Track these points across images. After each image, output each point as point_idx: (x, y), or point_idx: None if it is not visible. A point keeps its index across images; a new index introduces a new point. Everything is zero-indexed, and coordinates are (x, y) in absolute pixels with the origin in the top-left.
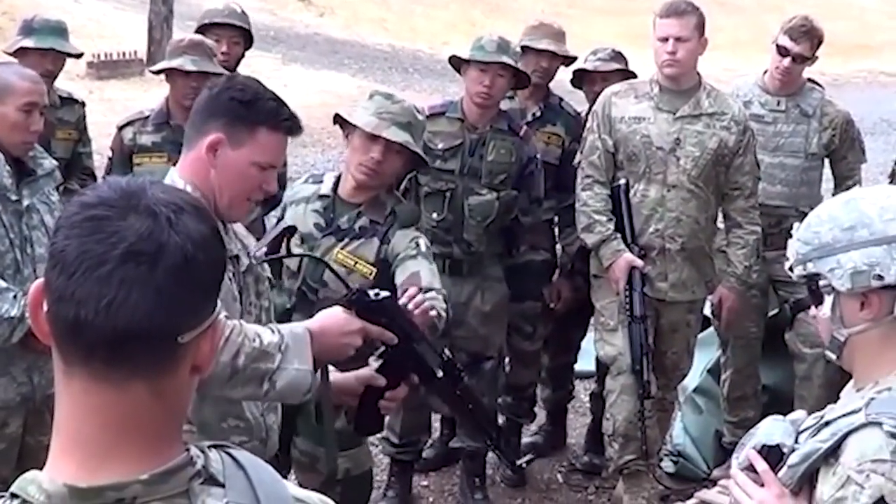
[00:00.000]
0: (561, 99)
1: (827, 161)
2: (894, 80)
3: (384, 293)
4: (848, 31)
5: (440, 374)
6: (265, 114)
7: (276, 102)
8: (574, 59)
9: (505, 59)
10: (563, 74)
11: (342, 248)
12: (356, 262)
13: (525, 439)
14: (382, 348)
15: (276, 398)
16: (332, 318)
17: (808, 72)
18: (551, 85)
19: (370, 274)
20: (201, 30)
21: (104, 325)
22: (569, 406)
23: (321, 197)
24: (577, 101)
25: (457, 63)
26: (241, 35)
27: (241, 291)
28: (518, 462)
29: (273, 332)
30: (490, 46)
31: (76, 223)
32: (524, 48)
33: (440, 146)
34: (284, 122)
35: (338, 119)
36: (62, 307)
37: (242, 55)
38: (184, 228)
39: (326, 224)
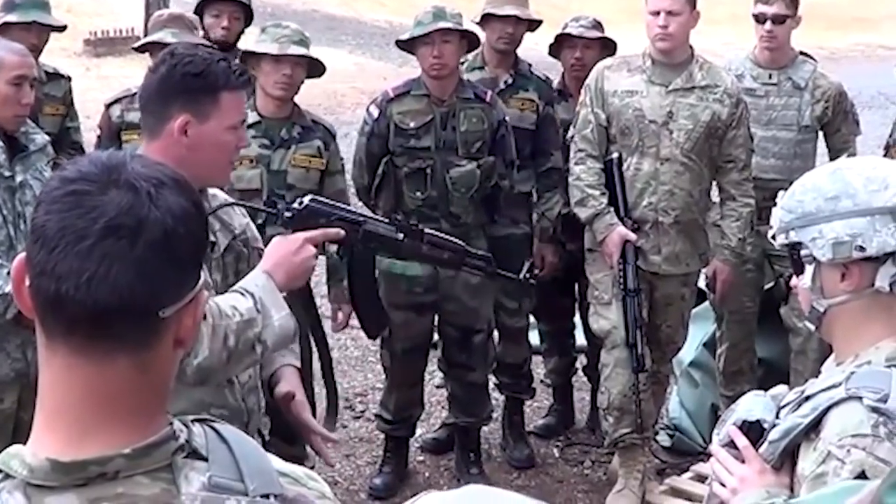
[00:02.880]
0: (530, 64)
1: (821, 134)
2: (892, 53)
3: (305, 199)
4: (846, 4)
5: (401, 237)
6: (222, 77)
7: (225, 61)
8: (539, 22)
9: (442, 24)
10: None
11: (294, 153)
12: (310, 161)
13: (539, 422)
14: (337, 248)
15: (270, 354)
16: (278, 247)
17: (806, 45)
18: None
19: (322, 166)
20: (202, 6)
21: (85, 300)
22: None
23: (252, 125)
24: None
25: (405, 46)
26: (242, 10)
27: (214, 275)
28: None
29: (244, 294)
30: (426, 19)
31: (57, 198)
32: (487, 16)
33: (411, 125)
34: (240, 77)
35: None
36: (43, 282)
37: (242, 31)
38: (164, 202)
39: (271, 141)
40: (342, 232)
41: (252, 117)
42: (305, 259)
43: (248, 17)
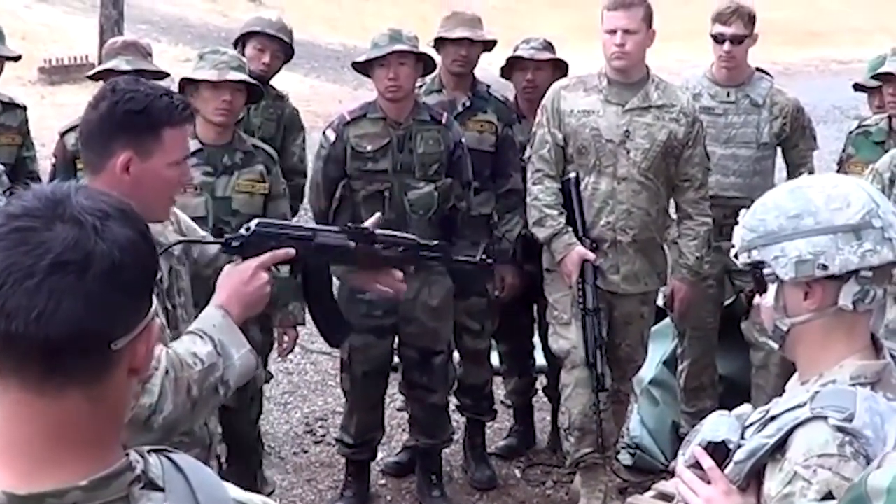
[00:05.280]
0: (488, 86)
1: (779, 150)
2: (846, 67)
3: (252, 223)
4: (800, 19)
5: (354, 244)
6: (164, 113)
7: (167, 96)
8: (494, 42)
9: (399, 46)
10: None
11: (238, 179)
12: (254, 186)
13: (500, 443)
14: (290, 267)
15: (233, 390)
16: (229, 278)
17: (760, 61)
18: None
19: (266, 190)
20: (246, 36)
21: (36, 337)
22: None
23: (193, 153)
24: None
25: (361, 68)
26: (283, 50)
27: (164, 304)
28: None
29: (202, 337)
30: (383, 41)
31: (2, 234)
32: (440, 40)
33: (368, 148)
34: (183, 112)
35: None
36: None
37: (279, 69)
38: (111, 235)
39: (214, 168)
40: (291, 251)
41: (193, 145)
42: (259, 287)
43: (288, 58)
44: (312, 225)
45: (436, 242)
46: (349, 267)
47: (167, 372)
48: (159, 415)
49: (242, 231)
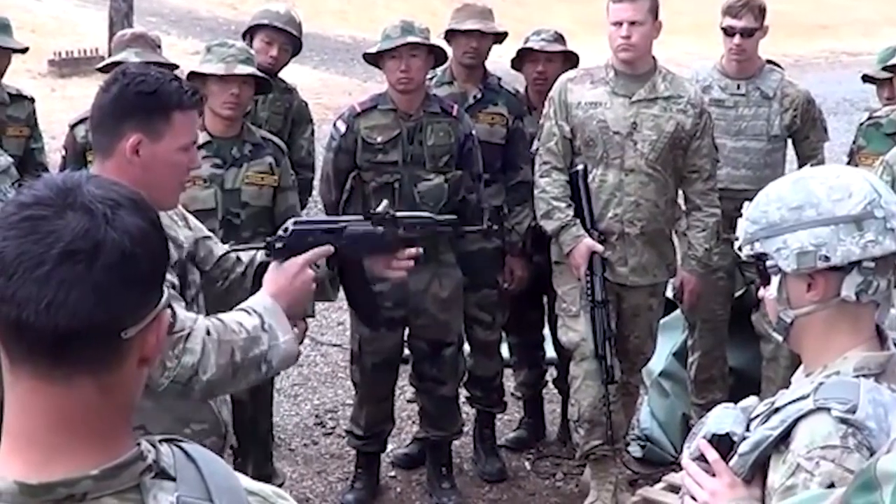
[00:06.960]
0: (499, 78)
1: (790, 142)
2: (856, 60)
3: (288, 224)
4: (809, 11)
5: (380, 230)
6: (174, 97)
7: (176, 80)
8: (505, 34)
9: (410, 38)
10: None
11: (247, 171)
12: (263, 178)
13: (510, 435)
14: (328, 262)
15: (273, 374)
16: (277, 274)
17: (770, 53)
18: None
19: (275, 182)
20: (254, 28)
21: (46, 326)
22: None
23: (202, 145)
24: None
25: (372, 59)
26: (292, 43)
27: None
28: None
29: (249, 313)
30: (394, 32)
31: (13, 223)
32: (451, 32)
33: (379, 139)
34: (192, 97)
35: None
36: (3, 309)
37: (287, 62)
38: (121, 224)
39: (223, 160)
40: (331, 248)
41: (202, 137)
42: (305, 283)
43: (296, 50)
44: (340, 217)
45: (447, 218)
46: (377, 253)
47: (209, 332)
48: (203, 375)
49: (281, 232)
